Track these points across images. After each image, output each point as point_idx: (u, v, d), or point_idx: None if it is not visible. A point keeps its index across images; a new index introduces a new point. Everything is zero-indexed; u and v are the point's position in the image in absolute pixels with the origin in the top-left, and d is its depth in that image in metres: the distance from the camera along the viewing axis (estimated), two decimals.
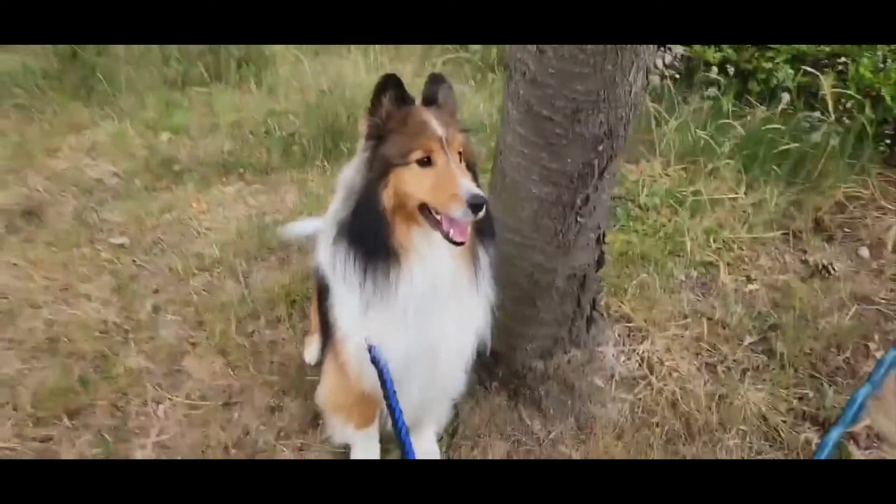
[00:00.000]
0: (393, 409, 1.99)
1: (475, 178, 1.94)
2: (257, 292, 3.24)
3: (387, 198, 1.87)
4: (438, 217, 1.85)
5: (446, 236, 1.85)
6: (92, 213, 3.71)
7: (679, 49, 5.13)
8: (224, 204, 3.83)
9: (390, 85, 1.90)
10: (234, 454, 2.57)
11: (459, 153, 1.91)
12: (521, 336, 2.76)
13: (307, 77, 4.91)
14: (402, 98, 1.93)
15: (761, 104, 4.34)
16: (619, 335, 3.03)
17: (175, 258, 3.41)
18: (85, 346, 2.92)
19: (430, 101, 2.01)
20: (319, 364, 2.78)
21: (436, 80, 2.03)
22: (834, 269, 3.46)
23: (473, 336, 2.18)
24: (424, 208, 1.88)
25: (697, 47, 4.71)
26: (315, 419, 2.69)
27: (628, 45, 2.09)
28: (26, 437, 2.59)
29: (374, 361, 2.06)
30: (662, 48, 5.08)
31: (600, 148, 2.29)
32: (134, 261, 3.43)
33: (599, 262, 2.71)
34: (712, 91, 4.52)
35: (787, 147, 3.98)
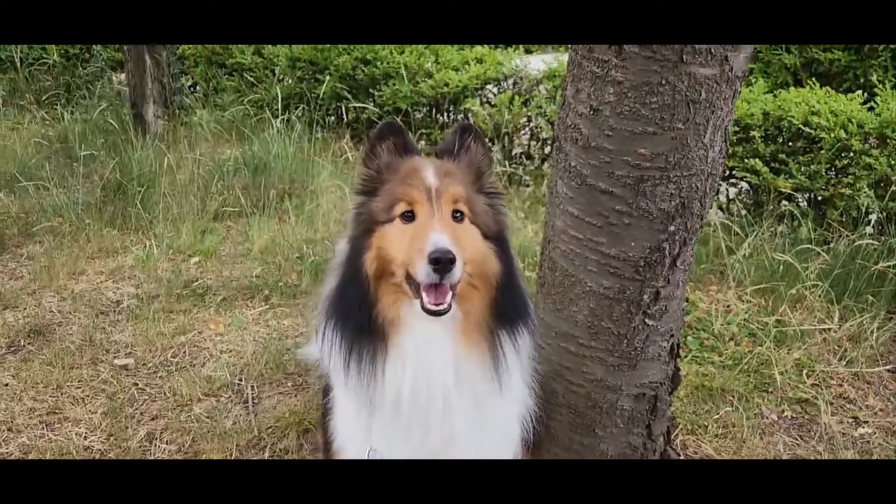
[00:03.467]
0: None
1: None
2: (266, 420, 2.78)
3: (370, 261, 1.51)
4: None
5: (421, 304, 1.47)
6: (101, 334, 3.38)
7: (744, 184, 4.80)
8: (244, 327, 3.47)
9: (389, 132, 1.59)
10: None
11: (457, 210, 1.54)
12: None
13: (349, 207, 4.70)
14: (404, 147, 1.62)
15: (844, 230, 3.88)
16: None
17: (181, 381, 3.01)
18: None
19: (445, 151, 1.67)
20: None
21: (461, 130, 1.70)
22: None
23: (501, 448, 1.67)
24: (410, 276, 1.49)
25: (767, 175, 4.35)
26: None
27: (701, 100, 1.73)
28: None
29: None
30: (727, 181, 4.75)
31: (672, 228, 1.88)
32: (136, 384, 3.04)
33: (674, 381, 2.20)
34: (786, 222, 4.11)
35: (882, 270, 3.47)
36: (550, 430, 2.18)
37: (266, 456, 2.60)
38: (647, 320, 2.00)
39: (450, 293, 1.47)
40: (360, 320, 1.53)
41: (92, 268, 4.08)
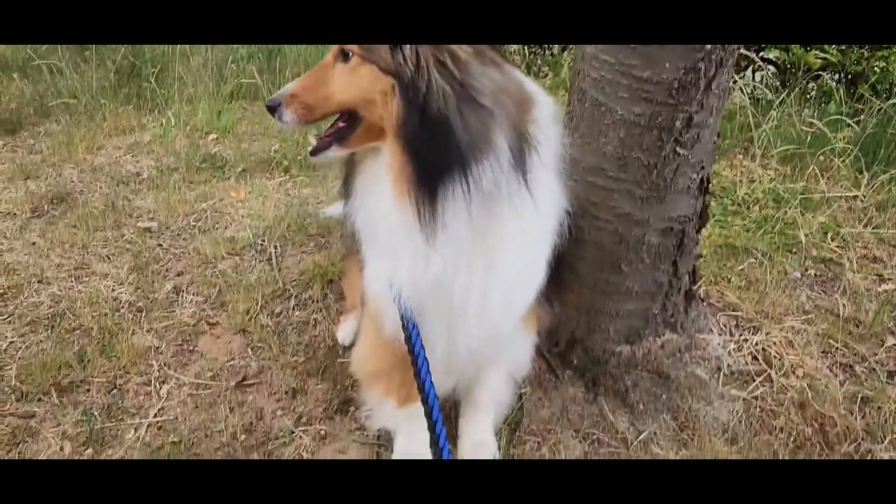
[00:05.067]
0: (416, 358, 1.50)
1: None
2: (290, 274, 2.80)
3: None
4: None
5: None
6: (122, 201, 3.39)
7: (770, 68, 4.65)
8: (265, 194, 3.46)
9: None
10: (243, 440, 2.07)
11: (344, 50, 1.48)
12: (601, 313, 2.22)
13: None
14: None
15: (876, 100, 3.78)
16: (723, 325, 2.44)
17: (205, 242, 3.03)
18: (90, 322, 2.52)
19: None
20: (353, 345, 2.33)
21: None
22: None
23: (513, 279, 1.63)
24: None
25: (797, 51, 4.21)
26: (345, 404, 2.19)
27: None
28: (5, 412, 2.17)
29: (396, 298, 1.59)
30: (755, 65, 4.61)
31: (708, 46, 1.81)
32: (160, 244, 3.06)
33: (702, 218, 2.18)
34: (814, 98, 4.00)
35: None
36: (576, 268, 2.16)
37: (292, 304, 2.63)
38: (678, 149, 1.96)
39: (328, 138, 1.56)
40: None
41: (110, 143, 4.06)
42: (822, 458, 2.02)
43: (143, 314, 2.60)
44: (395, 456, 2.00)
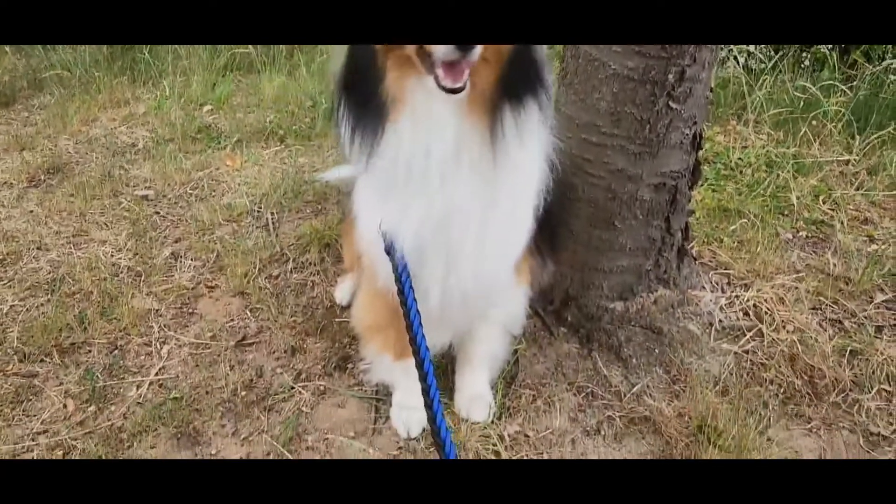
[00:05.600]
0: (408, 310, 1.52)
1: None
2: (287, 239, 2.83)
3: None
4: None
5: (437, 81, 1.41)
6: (118, 170, 3.40)
7: None
8: (261, 163, 3.48)
9: None
10: (244, 396, 2.11)
11: None
12: (595, 270, 2.25)
13: None
14: None
15: (868, 65, 3.80)
16: (715, 283, 2.47)
17: (202, 209, 3.05)
18: (89, 286, 2.55)
19: None
20: (351, 305, 2.36)
21: None
22: None
23: (510, 229, 1.68)
24: (423, 49, 1.43)
25: None
26: (344, 361, 2.23)
27: None
28: (8, 372, 2.20)
29: (388, 250, 1.61)
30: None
31: None
32: (157, 212, 3.08)
33: (694, 174, 2.21)
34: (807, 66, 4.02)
35: None
36: (570, 226, 2.20)
37: (289, 267, 2.66)
38: (670, 103, 1.98)
39: (467, 71, 1.42)
40: (367, 93, 1.50)
41: (105, 115, 4.06)
42: (811, 408, 2.06)
43: (143, 278, 2.63)
44: (393, 409, 2.04)
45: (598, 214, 2.18)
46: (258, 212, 3.05)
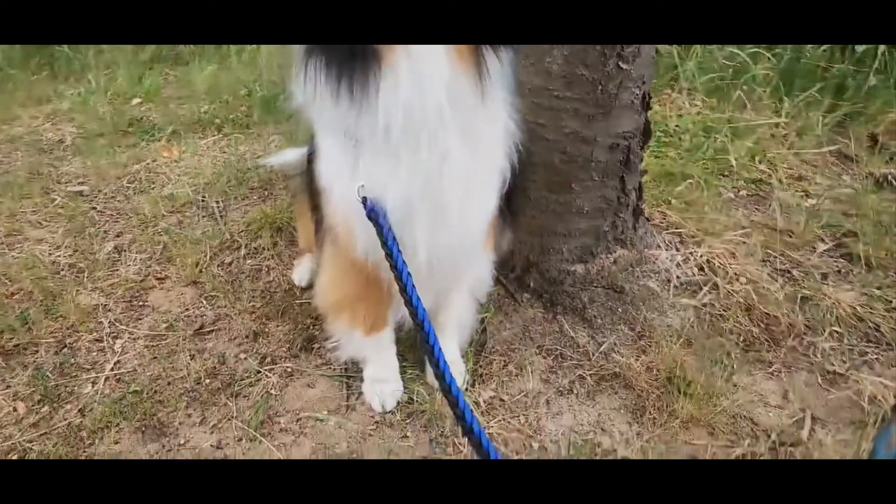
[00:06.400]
0: (400, 273, 1.48)
1: None
2: (237, 226, 2.75)
3: None
4: None
5: None
6: (48, 167, 3.24)
7: None
8: (200, 153, 3.37)
9: None
10: (208, 384, 2.04)
11: None
12: (554, 234, 2.27)
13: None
14: None
15: None
16: (668, 242, 2.53)
17: (143, 202, 2.93)
18: (30, 285, 2.42)
19: None
20: (311, 287, 2.31)
21: None
22: None
23: (490, 171, 1.68)
24: None
25: None
26: (309, 342, 2.19)
27: None
28: None
29: (371, 213, 1.56)
30: None
31: None
32: (94, 207, 2.95)
33: (646, 134, 2.25)
34: None
35: (826, 66, 3.58)
36: (527, 192, 2.20)
37: (242, 254, 2.58)
38: (620, 63, 2.01)
39: None
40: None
41: (26, 113, 3.86)
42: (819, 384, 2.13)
43: (86, 274, 2.51)
44: (365, 382, 2.01)
45: (555, 178, 2.19)
46: (203, 201, 2.95)
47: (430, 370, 2.04)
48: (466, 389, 2.01)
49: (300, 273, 2.39)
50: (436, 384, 2.00)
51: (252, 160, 3.27)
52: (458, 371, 2.02)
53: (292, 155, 2.84)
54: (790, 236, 2.66)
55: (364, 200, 1.57)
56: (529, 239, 2.30)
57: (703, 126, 3.43)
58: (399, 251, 1.52)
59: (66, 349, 2.19)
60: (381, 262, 1.74)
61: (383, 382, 1.98)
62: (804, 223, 2.70)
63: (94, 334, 2.25)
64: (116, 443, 1.87)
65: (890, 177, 3.03)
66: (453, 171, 1.59)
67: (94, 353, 2.18)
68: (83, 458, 1.82)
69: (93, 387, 2.05)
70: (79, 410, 1.97)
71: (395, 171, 1.56)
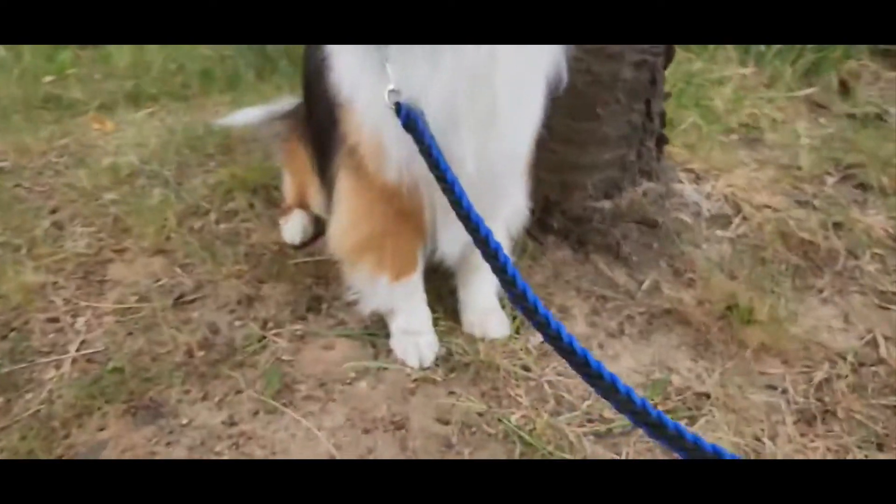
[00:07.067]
0: (451, 185, 1.21)
1: None
2: (200, 191, 2.39)
3: None
4: None
5: None
6: None
7: None
8: (137, 124, 2.97)
9: None
10: (203, 356, 1.70)
11: None
12: (577, 169, 2.06)
13: None
14: None
15: None
16: (687, 177, 2.37)
17: (81, 175, 2.52)
18: None
19: None
20: (305, 244, 2.01)
21: None
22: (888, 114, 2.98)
23: (539, 75, 1.44)
24: None
25: None
26: (316, 302, 1.88)
27: None
28: None
29: (408, 121, 1.29)
30: None
31: None
32: (18, 184, 2.52)
33: (668, 53, 2.07)
34: None
35: None
36: (546, 122, 1.98)
37: (213, 218, 2.23)
38: None
39: None
40: None
41: None
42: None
43: (24, 252, 2.10)
44: (394, 337, 1.73)
45: (579, 103, 1.97)
46: (152, 171, 2.57)
47: (468, 318, 1.78)
48: (511, 337, 1.75)
49: (292, 230, 2.08)
50: (476, 332, 1.76)
51: (204, 128, 2.90)
52: (500, 319, 1.77)
53: (254, 113, 2.56)
54: (798, 170, 2.55)
55: (398, 107, 1.30)
56: (548, 177, 2.06)
57: (685, 76, 3.33)
58: (440, 153, 1.26)
59: (13, 332, 1.79)
60: (417, 185, 1.48)
61: (417, 335, 1.70)
62: (808, 156, 2.60)
63: (47, 314, 1.86)
64: (102, 429, 1.50)
65: (875, 113, 3.00)
66: (503, 71, 1.35)
67: (52, 335, 1.79)
68: (60, 449, 1.45)
69: (57, 370, 1.67)
70: (44, 398, 1.59)
71: (435, 71, 1.31)
